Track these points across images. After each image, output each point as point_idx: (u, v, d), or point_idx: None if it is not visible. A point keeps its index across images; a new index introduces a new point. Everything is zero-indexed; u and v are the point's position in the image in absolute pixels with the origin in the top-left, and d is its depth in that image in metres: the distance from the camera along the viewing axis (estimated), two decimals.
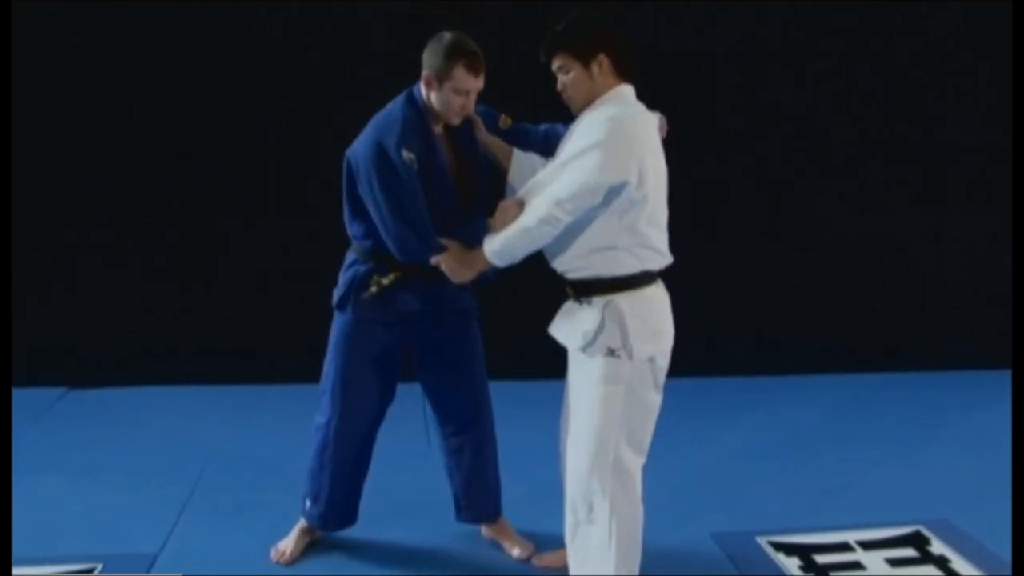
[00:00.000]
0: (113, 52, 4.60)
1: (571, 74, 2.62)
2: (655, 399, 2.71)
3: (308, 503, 3.09)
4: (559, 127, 2.87)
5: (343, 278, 2.96)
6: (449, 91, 2.70)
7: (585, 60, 2.60)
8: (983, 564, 3.07)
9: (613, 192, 2.53)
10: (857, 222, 5.06)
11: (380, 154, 2.71)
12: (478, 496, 3.13)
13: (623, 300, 2.59)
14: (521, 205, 2.65)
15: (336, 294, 2.97)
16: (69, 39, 4.58)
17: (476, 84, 2.72)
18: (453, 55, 2.67)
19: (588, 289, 2.62)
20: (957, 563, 3.09)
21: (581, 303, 2.64)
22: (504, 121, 2.93)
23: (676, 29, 4.79)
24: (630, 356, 2.59)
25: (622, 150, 2.53)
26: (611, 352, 2.58)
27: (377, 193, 2.73)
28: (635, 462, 2.69)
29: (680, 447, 3.93)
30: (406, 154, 2.69)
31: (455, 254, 2.73)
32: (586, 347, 2.61)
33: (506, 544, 3.15)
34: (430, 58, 2.72)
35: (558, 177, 2.57)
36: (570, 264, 2.64)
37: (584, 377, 2.65)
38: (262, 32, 4.67)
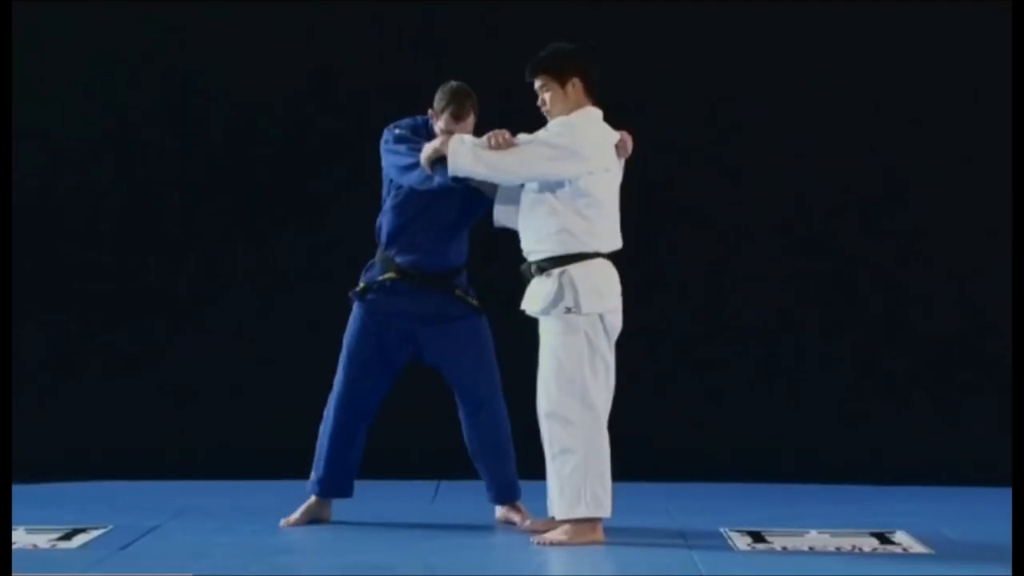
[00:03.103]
0: (113, 52, 4.68)
1: (550, 93, 3.24)
2: (610, 356, 3.22)
3: (312, 473, 3.43)
4: None
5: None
6: (441, 126, 3.35)
7: (562, 81, 3.22)
8: (931, 543, 3.18)
9: (557, 183, 3.18)
10: None
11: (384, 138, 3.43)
12: (495, 478, 3.44)
13: (574, 269, 3.17)
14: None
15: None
16: (69, 39, 4.67)
17: (460, 127, 3.32)
18: (444, 104, 3.37)
19: (548, 264, 3.20)
20: (898, 535, 3.29)
21: (542, 275, 3.20)
22: None
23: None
24: (580, 312, 3.14)
25: (570, 146, 3.16)
26: (568, 311, 3.16)
27: (390, 158, 3.37)
28: (601, 399, 3.16)
29: None
30: (397, 131, 3.39)
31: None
32: (548, 309, 3.17)
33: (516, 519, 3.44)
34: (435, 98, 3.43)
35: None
36: (535, 247, 3.24)
37: (548, 335, 3.21)
38: (262, 32, 4.68)
